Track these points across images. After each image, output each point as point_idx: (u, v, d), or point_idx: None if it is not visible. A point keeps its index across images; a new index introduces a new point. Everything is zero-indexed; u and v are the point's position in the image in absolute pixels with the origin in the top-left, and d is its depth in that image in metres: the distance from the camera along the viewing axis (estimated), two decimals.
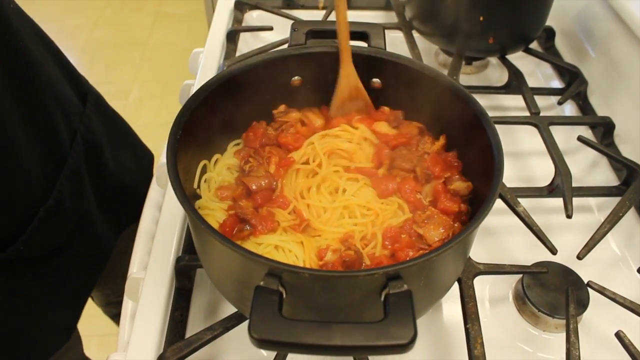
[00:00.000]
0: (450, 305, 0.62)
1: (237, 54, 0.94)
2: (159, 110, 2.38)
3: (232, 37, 0.95)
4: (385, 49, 0.64)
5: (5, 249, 0.64)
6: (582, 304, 0.59)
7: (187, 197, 0.46)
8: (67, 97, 0.73)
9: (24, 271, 0.68)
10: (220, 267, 0.51)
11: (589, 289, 0.60)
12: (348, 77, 0.63)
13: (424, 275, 0.45)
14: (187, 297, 0.62)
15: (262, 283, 0.40)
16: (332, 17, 0.99)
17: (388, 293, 0.40)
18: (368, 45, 0.64)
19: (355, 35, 0.65)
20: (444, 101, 0.59)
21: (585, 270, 0.62)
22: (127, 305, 0.70)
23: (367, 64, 0.63)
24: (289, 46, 0.64)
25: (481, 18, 0.82)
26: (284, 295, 0.40)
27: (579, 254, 0.63)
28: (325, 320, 0.37)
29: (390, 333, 0.38)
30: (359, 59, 0.63)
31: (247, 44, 0.99)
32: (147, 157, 0.97)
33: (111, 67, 2.63)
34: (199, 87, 0.58)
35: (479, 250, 0.66)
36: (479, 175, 0.56)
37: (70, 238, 0.72)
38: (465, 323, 0.56)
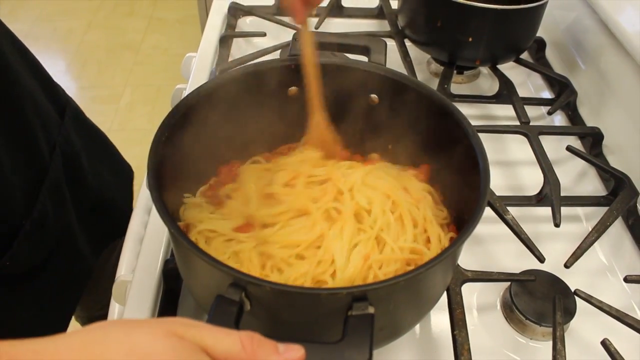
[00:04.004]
0: (438, 311, 0.62)
1: (230, 59, 0.94)
2: (150, 114, 2.37)
3: (225, 42, 0.96)
4: (385, 64, 0.64)
5: None
6: (569, 312, 0.59)
7: (163, 203, 0.46)
8: (45, 109, 0.71)
9: (7, 289, 0.67)
10: (191, 274, 0.52)
11: (576, 298, 0.60)
12: (317, 125, 0.62)
13: (397, 298, 0.45)
14: (174, 301, 0.61)
15: (224, 293, 0.40)
16: (326, 25, 1.00)
17: (350, 314, 0.40)
18: (368, 60, 0.64)
19: (354, 49, 0.66)
20: (433, 116, 0.59)
21: (573, 279, 0.62)
22: (114, 308, 0.70)
23: (365, 80, 0.63)
24: (288, 55, 0.64)
25: (470, 39, 0.83)
26: (248, 307, 0.40)
27: (566, 262, 0.63)
28: (285, 335, 0.36)
29: (344, 356, 0.37)
30: (356, 73, 0.63)
31: (240, 49, 0.99)
32: (126, 172, 0.95)
33: (103, 71, 2.62)
34: (190, 90, 0.58)
35: (468, 258, 0.66)
36: (466, 187, 0.56)
37: (52, 254, 0.71)
38: (453, 330, 0.56)
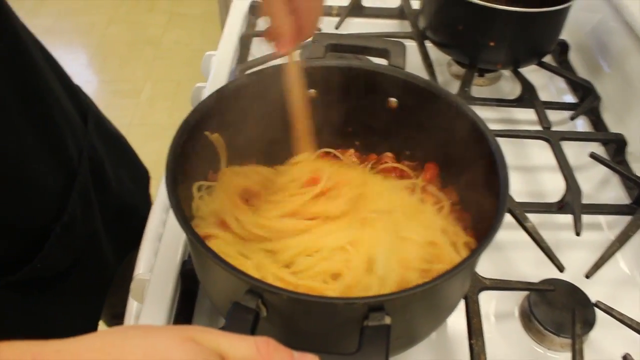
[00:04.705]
0: (454, 315, 0.61)
1: (250, 58, 0.94)
2: (170, 109, 2.39)
3: (245, 42, 0.96)
4: (404, 67, 0.63)
5: (22, 268, 0.64)
6: (589, 324, 0.58)
7: (180, 205, 0.47)
8: (71, 114, 0.72)
9: (37, 292, 0.68)
10: (207, 278, 0.52)
11: (596, 309, 0.59)
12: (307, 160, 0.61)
13: (414, 307, 0.45)
14: (191, 301, 0.62)
15: (240, 300, 0.40)
16: (345, 25, 1.00)
17: (366, 325, 0.39)
18: (388, 63, 0.64)
19: (374, 52, 0.65)
20: (451, 120, 0.59)
21: (593, 290, 0.61)
22: (132, 306, 0.70)
23: (385, 84, 0.63)
24: (307, 58, 0.63)
25: (492, 42, 0.82)
26: (265, 313, 0.40)
27: (587, 272, 0.62)
28: (301, 343, 0.36)
29: None
30: (376, 77, 0.62)
31: (260, 48, 0.99)
32: (144, 178, 0.96)
33: (124, 65, 2.65)
34: (213, 89, 0.58)
35: (486, 264, 0.65)
36: (485, 192, 0.55)
37: (79, 258, 0.72)
38: (470, 338, 0.56)
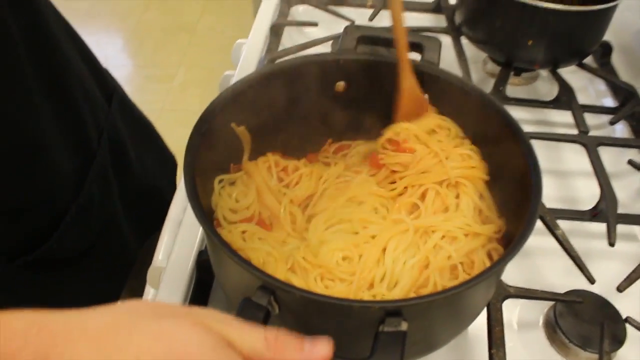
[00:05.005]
0: (476, 323, 0.59)
1: (280, 48, 0.93)
2: (202, 96, 2.40)
3: (276, 31, 0.94)
4: (438, 63, 0.61)
5: (37, 248, 0.64)
6: (618, 340, 0.55)
7: (196, 193, 0.46)
8: (94, 94, 0.72)
9: (54, 273, 0.68)
10: (222, 271, 0.51)
11: (627, 325, 0.56)
12: (410, 89, 0.59)
13: (433, 314, 0.43)
14: (206, 292, 0.61)
15: (251, 296, 0.39)
16: (380, 18, 0.97)
17: (381, 330, 0.38)
18: (421, 58, 0.62)
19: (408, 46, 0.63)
20: (485, 120, 0.56)
21: (625, 304, 0.58)
22: (149, 292, 0.70)
23: (417, 79, 0.60)
24: (338, 50, 0.62)
25: (530, 41, 0.79)
26: (277, 311, 0.39)
27: (619, 286, 0.59)
28: None
29: None
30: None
31: (291, 38, 0.97)
32: (169, 162, 0.96)
33: (159, 50, 2.67)
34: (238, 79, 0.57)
35: (512, 271, 0.63)
36: (516, 197, 0.53)
37: (97, 240, 0.72)
38: (490, 348, 0.54)
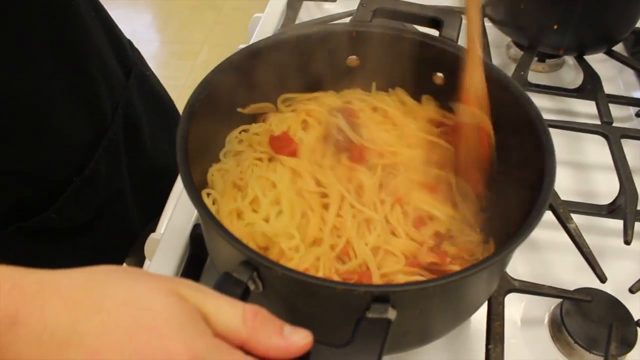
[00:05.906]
0: (478, 316, 0.56)
1: (297, 22, 0.90)
2: None
3: (293, 5, 0.92)
4: (457, 41, 0.58)
5: (35, 216, 0.63)
6: (627, 344, 0.52)
7: (186, 159, 0.46)
8: (112, 68, 0.70)
9: (52, 244, 0.67)
10: (210, 244, 0.49)
11: (638, 328, 0.53)
12: (476, 83, 0.54)
13: (425, 304, 0.41)
14: (198, 267, 0.59)
15: (232, 271, 0.37)
16: None
17: (365, 316, 0.35)
18: (439, 34, 0.58)
19: (425, 21, 0.60)
20: (498, 102, 0.53)
21: (637, 306, 0.55)
22: (147, 265, 0.69)
23: (433, 57, 0.58)
24: (352, 21, 0.60)
25: (556, 25, 0.75)
26: (261, 288, 0.37)
27: (632, 286, 0.56)
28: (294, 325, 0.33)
29: None
30: (424, 48, 0.57)
31: (309, 13, 0.95)
32: None
33: (185, 27, 2.66)
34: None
35: (518, 264, 0.60)
36: (528, 184, 0.49)
37: (100, 215, 0.71)
38: (487, 343, 0.51)
